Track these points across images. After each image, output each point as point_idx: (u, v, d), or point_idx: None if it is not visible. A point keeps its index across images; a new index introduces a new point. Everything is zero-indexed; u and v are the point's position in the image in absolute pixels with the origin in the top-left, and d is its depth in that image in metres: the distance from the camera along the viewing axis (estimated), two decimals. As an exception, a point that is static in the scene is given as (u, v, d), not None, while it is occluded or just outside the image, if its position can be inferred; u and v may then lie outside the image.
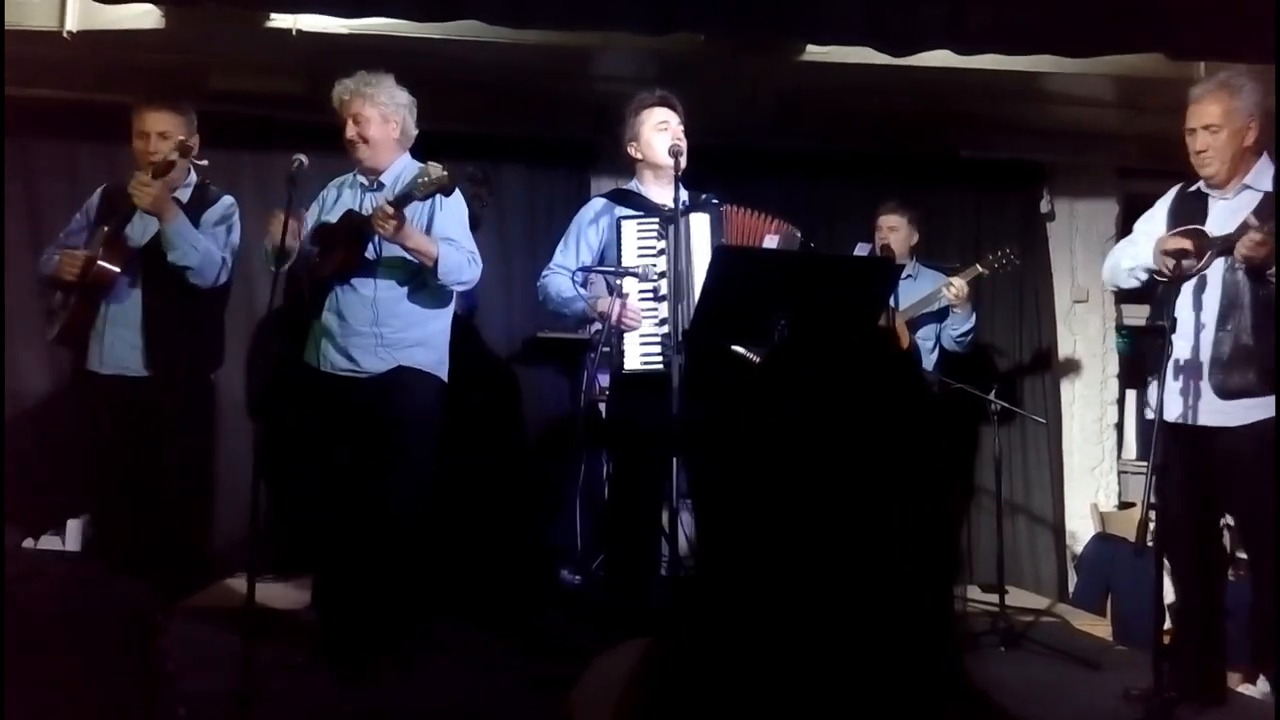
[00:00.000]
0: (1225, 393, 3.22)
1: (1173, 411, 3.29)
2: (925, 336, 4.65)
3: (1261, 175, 3.30)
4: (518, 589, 4.50)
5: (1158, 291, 3.44)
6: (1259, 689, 3.46)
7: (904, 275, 4.37)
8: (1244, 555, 3.65)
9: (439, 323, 3.62)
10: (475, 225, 3.82)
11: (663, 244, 3.44)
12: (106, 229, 3.75)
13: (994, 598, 4.20)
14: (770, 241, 3.54)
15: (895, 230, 4.62)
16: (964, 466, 4.67)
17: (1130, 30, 3.90)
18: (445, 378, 3.62)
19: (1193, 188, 3.42)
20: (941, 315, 4.63)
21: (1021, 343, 5.52)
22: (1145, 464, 3.46)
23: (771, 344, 2.97)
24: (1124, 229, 3.85)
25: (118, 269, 3.72)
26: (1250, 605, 3.37)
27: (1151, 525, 3.14)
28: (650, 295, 3.46)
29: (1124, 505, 5.43)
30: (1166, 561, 3.27)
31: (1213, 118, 3.28)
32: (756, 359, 3.17)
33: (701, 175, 3.62)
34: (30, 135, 4.69)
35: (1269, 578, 3.21)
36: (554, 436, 5.05)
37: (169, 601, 3.54)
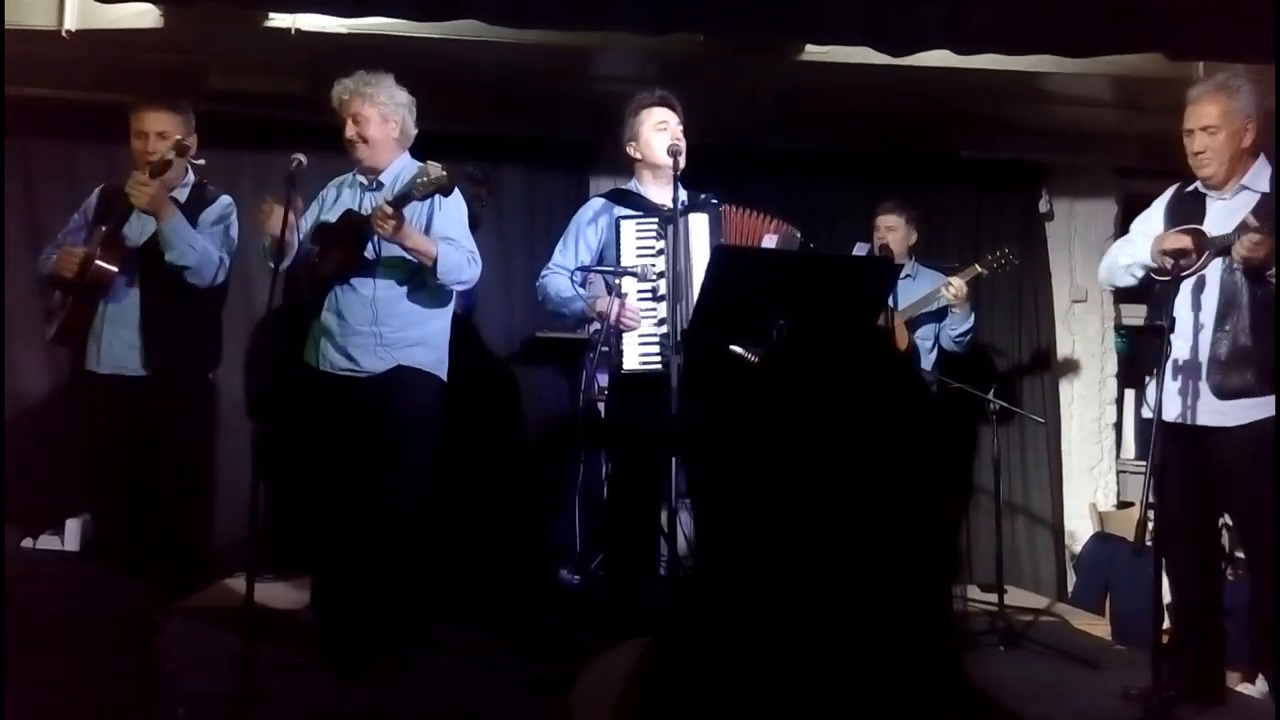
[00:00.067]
0: (1224, 393, 3.22)
1: (1171, 411, 3.29)
2: (924, 336, 4.65)
3: (1259, 176, 3.30)
4: (517, 589, 4.50)
5: (1155, 291, 3.44)
6: (1258, 688, 3.47)
7: (903, 275, 4.37)
8: (1243, 555, 3.66)
9: (439, 322, 3.62)
10: (475, 225, 3.82)
11: (662, 244, 3.44)
12: (104, 228, 3.75)
13: (993, 597, 4.20)
14: (769, 241, 3.54)
15: (893, 230, 4.62)
16: (963, 466, 4.65)
17: (1130, 30, 3.90)
18: (445, 377, 3.62)
19: (1190, 188, 3.43)
20: (940, 315, 4.63)
21: (1020, 342, 5.52)
22: (1144, 464, 3.46)
23: (769, 344, 2.98)
24: (1123, 229, 3.85)
25: (115, 268, 3.72)
26: (1249, 605, 3.38)
27: (1150, 525, 3.15)
28: (649, 295, 3.46)
29: (1123, 505, 5.43)
30: (1165, 561, 3.27)
31: (1211, 119, 3.28)
32: (754, 359, 3.17)
33: (701, 175, 3.62)
34: (29, 135, 4.68)
35: (1268, 577, 3.21)
36: (553, 436, 5.05)
37: (168, 601, 3.54)
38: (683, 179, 3.38)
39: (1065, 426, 5.52)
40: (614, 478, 3.74)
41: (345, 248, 3.50)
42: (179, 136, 3.71)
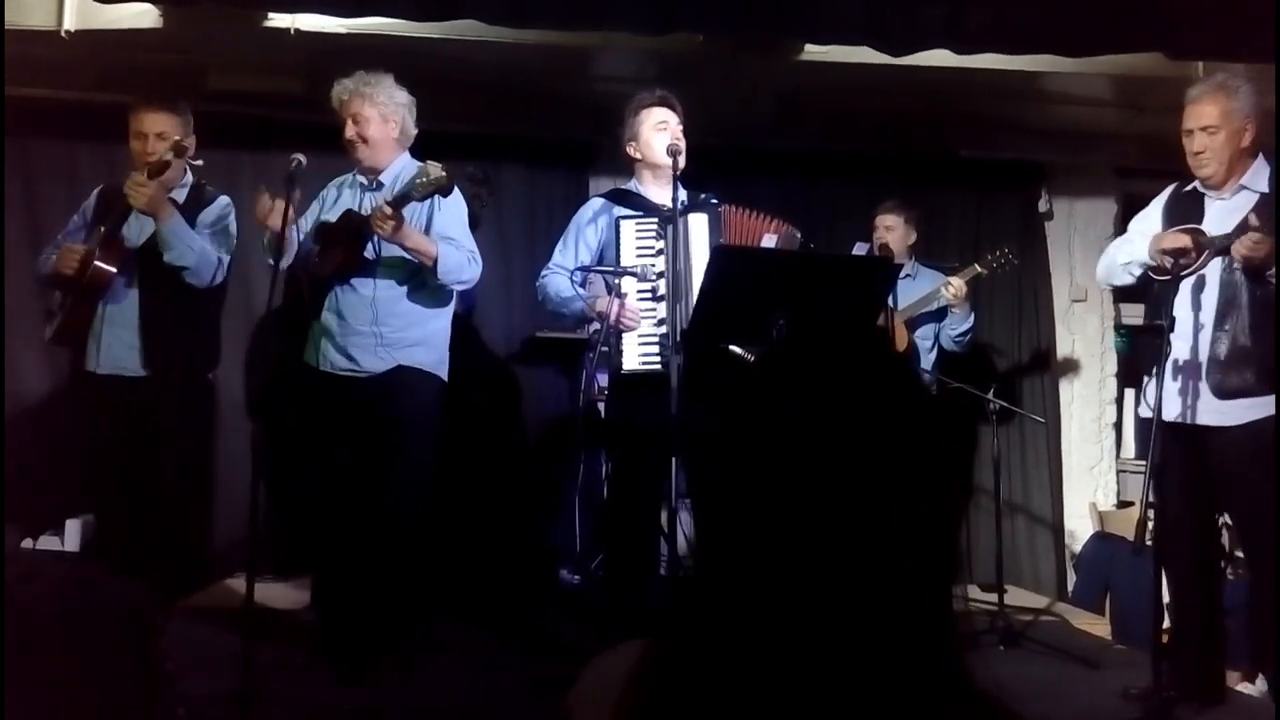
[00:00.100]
0: (1223, 392, 3.22)
1: (1171, 411, 3.29)
2: (924, 336, 4.65)
3: (1258, 176, 3.30)
4: (517, 589, 4.50)
5: (1154, 290, 3.44)
6: (1258, 688, 3.46)
7: (903, 275, 4.37)
8: (1242, 554, 3.66)
9: (439, 322, 3.62)
10: (475, 225, 3.82)
11: (661, 244, 3.44)
12: (103, 229, 3.76)
13: (993, 597, 4.20)
14: (769, 241, 3.54)
15: (892, 230, 4.62)
16: (963, 466, 4.67)
17: (1130, 30, 3.90)
18: (445, 377, 3.62)
19: (1188, 187, 3.43)
20: (940, 315, 4.63)
21: (1020, 342, 5.52)
22: (1144, 463, 3.46)
23: (766, 343, 2.98)
24: (1122, 228, 3.85)
25: (114, 269, 3.72)
26: (1248, 604, 3.38)
27: (1150, 524, 3.15)
28: (649, 295, 3.46)
29: (1123, 504, 5.43)
30: (1165, 561, 3.27)
31: (1210, 119, 3.28)
32: (751, 357, 3.17)
33: (701, 175, 3.62)
34: (29, 135, 4.68)
35: (1268, 577, 3.21)
36: (553, 436, 5.05)
37: (169, 602, 3.55)
38: (683, 179, 3.38)
39: (1065, 426, 5.52)
40: (614, 478, 3.74)
41: (345, 248, 3.50)
42: (177, 137, 3.71)
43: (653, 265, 3.43)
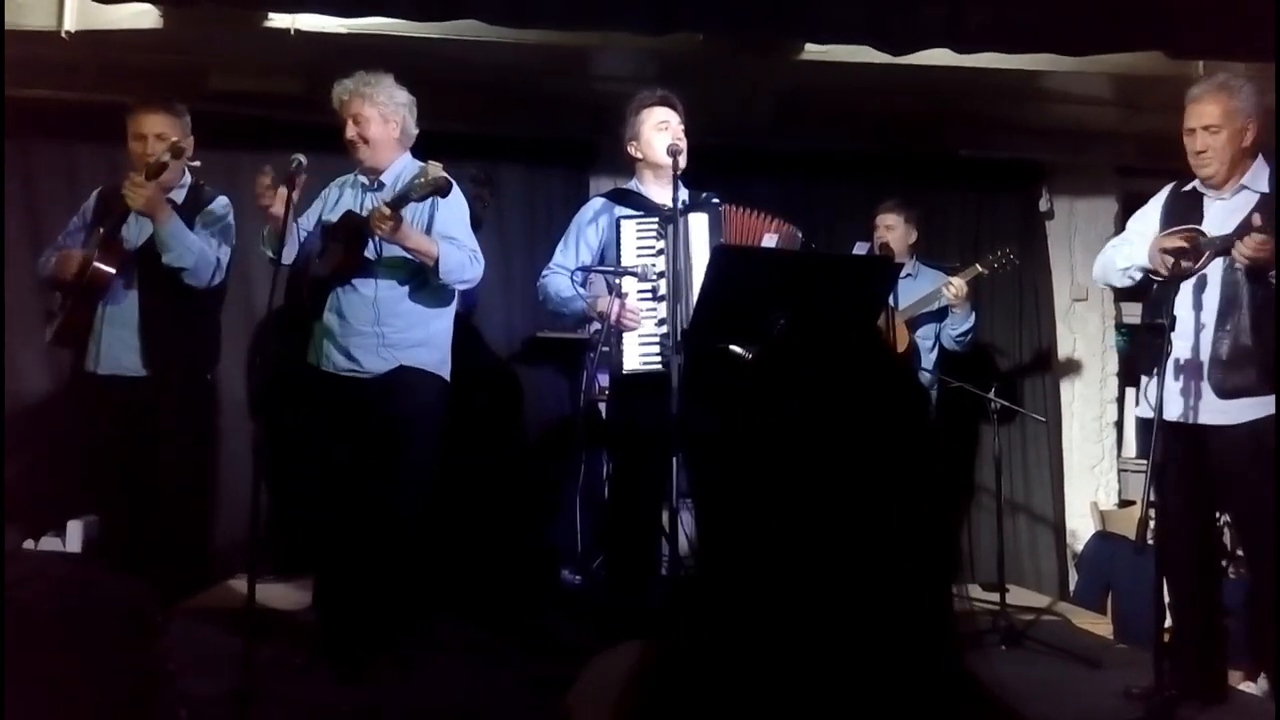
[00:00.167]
0: (1225, 392, 3.22)
1: (1173, 410, 3.29)
2: (925, 336, 4.65)
3: (1258, 176, 3.30)
4: (518, 588, 4.50)
5: (1152, 290, 3.44)
6: (1259, 687, 3.46)
7: (903, 274, 4.37)
8: (1243, 553, 3.66)
9: (441, 322, 3.61)
10: (477, 225, 3.82)
11: (662, 244, 3.44)
12: (102, 230, 3.76)
13: (995, 596, 4.20)
14: (769, 241, 3.54)
15: (892, 229, 4.62)
16: (964, 465, 4.68)
17: (1130, 29, 3.90)
18: (448, 377, 3.61)
19: (1187, 187, 3.42)
20: (941, 315, 4.63)
21: (1021, 342, 5.52)
22: (1145, 462, 3.46)
23: (766, 342, 2.97)
24: (1123, 228, 3.84)
25: (113, 270, 3.73)
26: (1249, 603, 3.37)
27: (1152, 523, 3.14)
28: (649, 295, 3.46)
29: (1124, 503, 5.43)
30: (1166, 560, 3.27)
31: (1212, 118, 3.28)
32: (749, 356, 3.16)
33: (701, 175, 3.61)
34: (29, 136, 4.69)
35: (1268, 576, 3.21)
36: (554, 436, 5.05)
37: (170, 602, 3.55)
38: (683, 179, 3.38)
39: (1066, 425, 5.52)
40: (615, 478, 3.74)
41: (345, 248, 3.50)
42: (175, 139, 3.71)
43: (653, 265, 3.42)
